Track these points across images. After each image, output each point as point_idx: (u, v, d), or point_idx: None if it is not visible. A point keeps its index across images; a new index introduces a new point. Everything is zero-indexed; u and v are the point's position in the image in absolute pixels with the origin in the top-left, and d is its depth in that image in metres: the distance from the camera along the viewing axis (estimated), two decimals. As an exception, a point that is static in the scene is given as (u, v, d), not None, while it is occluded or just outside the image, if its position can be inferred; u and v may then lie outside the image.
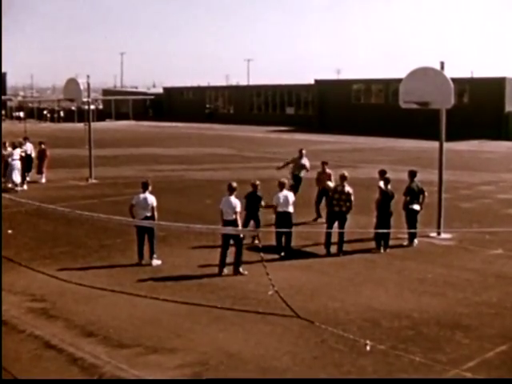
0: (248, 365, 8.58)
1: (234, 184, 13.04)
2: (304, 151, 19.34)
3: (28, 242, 15.34)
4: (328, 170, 17.66)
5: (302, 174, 19.09)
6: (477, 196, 22.29)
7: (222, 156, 35.91)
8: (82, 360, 8.72)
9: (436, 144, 16.58)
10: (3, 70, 65.85)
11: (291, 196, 14.10)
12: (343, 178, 14.63)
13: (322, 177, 17.50)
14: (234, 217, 12.63)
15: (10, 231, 15.83)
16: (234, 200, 12.76)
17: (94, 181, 25.46)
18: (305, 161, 19.18)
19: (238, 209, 12.70)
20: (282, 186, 14.05)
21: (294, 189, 17.16)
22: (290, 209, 13.90)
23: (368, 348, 9.05)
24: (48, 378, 8.27)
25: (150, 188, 13.68)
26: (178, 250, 14.50)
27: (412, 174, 15.30)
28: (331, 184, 17.19)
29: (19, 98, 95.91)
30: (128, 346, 9.16)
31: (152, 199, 13.45)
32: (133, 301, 11.14)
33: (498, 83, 49.50)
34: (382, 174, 15.38)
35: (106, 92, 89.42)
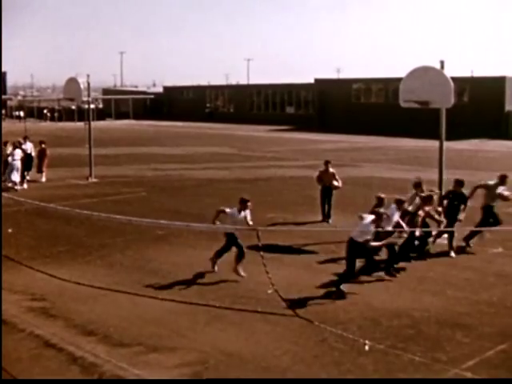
0: (248, 364, 8.58)
1: (382, 210, 11.86)
2: (507, 177, 14.85)
3: (28, 241, 15.33)
4: (331, 170, 17.55)
5: (495, 203, 14.82)
6: (477, 195, 22.21)
7: (222, 155, 35.89)
8: (82, 359, 8.72)
9: (436, 143, 16.56)
10: (3, 70, 65.94)
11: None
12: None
13: (325, 176, 17.43)
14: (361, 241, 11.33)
15: (10, 230, 15.82)
16: (369, 224, 11.45)
17: (94, 180, 25.45)
18: (502, 189, 14.80)
19: (367, 236, 11.33)
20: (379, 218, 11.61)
21: (487, 223, 14.47)
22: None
23: (367, 348, 9.05)
24: (48, 378, 8.26)
25: (248, 206, 12.61)
26: (178, 249, 14.50)
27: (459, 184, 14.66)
28: (337, 183, 17.26)
29: (19, 98, 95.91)
30: (128, 345, 9.16)
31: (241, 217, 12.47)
32: (133, 300, 11.13)
33: (498, 82, 49.52)
34: (417, 186, 13.93)
35: (106, 91, 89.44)
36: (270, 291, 10.98)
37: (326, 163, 17.61)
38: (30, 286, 11.92)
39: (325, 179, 17.36)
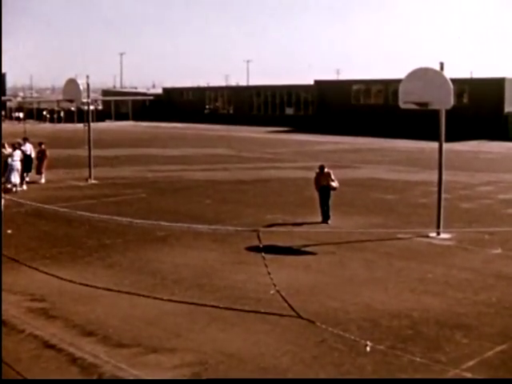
0: (247, 364, 8.58)
1: None
2: None
3: (28, 242, 15.33)
4: (326, 170, 17.64)
5: None
6: (476, 196, 22.29)
7: (221, 156, 35.90)
8: (82, 360, 8.71)
9: (435, 144, 16.59)
10: (3, 71, 65.90)
11: None
12: None
13: (321, 177, 17.56)
14: None
15: (9, 231, 15.82)
16: None
17: (93, 181, 25.44)
18: None
19: None
20: None
21: None
22: None
23: (368, 349, 9.05)
24: (48, 378, 8.27)
25: None
26: (178, 250, 14.50)
27: None
28: (334, 184, 17.37)
29: (19, 99, 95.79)
30: (127, 346, 9.16)
31: None
32: (132, 301, 11.13)
33: (498, 84, 49.54)
34: None
35: (105, 92, 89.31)
36: (272, 292, 10.98)
37: (320, 167, 17.70)
38: (29, 286, 11.92)
39: (321, 180, 17.52)
